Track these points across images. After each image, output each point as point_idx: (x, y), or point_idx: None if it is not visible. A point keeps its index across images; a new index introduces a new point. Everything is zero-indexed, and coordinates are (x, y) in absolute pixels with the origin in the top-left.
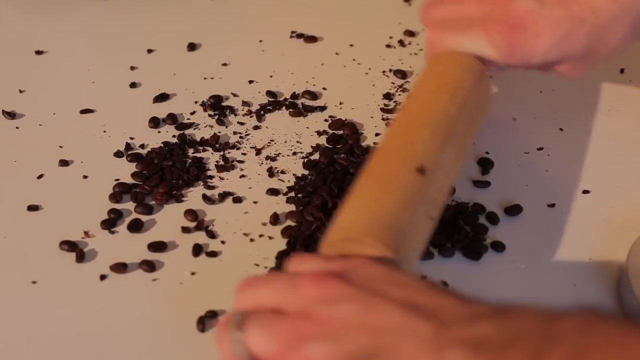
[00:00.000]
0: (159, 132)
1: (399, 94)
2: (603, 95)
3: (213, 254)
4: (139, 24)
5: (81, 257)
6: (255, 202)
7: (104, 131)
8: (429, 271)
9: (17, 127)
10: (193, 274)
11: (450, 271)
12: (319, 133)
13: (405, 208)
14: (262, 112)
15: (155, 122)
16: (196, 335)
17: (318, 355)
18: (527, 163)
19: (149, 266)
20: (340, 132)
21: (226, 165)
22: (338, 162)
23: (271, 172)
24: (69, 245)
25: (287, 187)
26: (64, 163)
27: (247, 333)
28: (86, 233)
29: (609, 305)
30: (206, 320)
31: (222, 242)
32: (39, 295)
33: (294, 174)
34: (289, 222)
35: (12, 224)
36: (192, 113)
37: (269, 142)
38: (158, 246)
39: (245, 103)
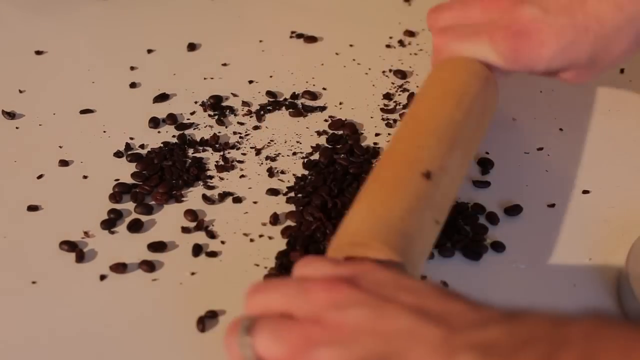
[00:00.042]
0: (158, 132)
1: (399, 94)
2: (603, 96)
3: (213, 254)
4: (139, 24)
5: (81, 257)
6: (255, 202)
7: (104, 131)
8: (429, 271)
9: (17, 127)
10: (193, 274)
11: (450, 271)
12: (319, 133)
13: (412, 212)
14: (262, 112)
15: (155, 122)
16: (196, 335)
17: None
18: (527, 163)
19: (149, 266)
20: (340, 132)
21: (226, 166)
22: (338, 162)
23: (271, 172)
24: (69, 245)
25: (287, 187)
26: (63, 163)
27: (256, 338)
28: (86, 233)
29: (608, 305)
30: (206, 320)
31: (222, 242)
32: (38, 295)
33: (293, 174)
34: (289, 222)
35: (12, 224)
36: (192, 113)
37: (268, 142)
38: (158, 246)
39: (245, 103)
